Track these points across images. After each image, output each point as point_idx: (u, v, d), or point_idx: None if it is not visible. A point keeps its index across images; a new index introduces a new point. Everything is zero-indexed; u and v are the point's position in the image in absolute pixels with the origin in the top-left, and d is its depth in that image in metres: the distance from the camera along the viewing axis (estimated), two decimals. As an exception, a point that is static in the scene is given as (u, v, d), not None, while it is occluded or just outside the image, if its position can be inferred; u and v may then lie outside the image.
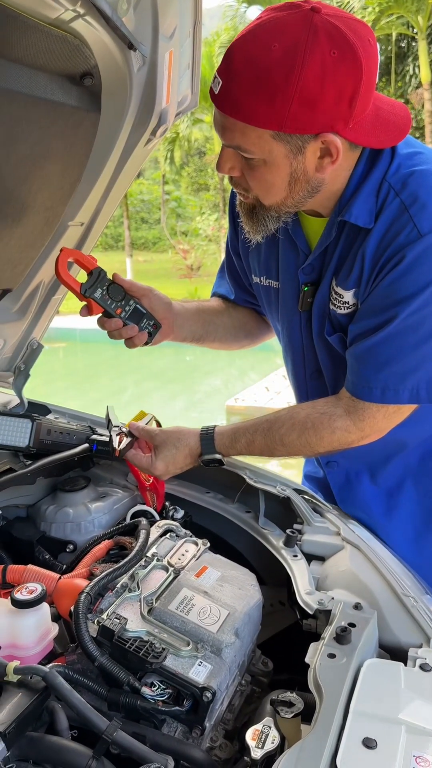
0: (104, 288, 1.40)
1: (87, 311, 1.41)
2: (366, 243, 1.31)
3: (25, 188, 1.20)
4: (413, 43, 15.83)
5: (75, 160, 1.27)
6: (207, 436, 1.47)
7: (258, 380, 9.26)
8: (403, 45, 16.39)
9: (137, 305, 1.47)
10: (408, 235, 1.25)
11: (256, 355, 10.78)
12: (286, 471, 5.87)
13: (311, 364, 1.59)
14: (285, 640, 1.46)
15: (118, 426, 1.57)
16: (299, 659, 1.18)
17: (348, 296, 1.38)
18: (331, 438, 1.41)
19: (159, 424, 1.61)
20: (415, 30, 14.70)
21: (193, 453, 1.47)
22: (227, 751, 1.14)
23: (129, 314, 1.46)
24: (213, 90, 1.20)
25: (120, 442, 1.51)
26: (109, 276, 1.42)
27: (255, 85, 1.14)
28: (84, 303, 1.40)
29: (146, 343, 1.53)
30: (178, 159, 21.59)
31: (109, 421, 1.58)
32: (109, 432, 1.56)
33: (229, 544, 1.63)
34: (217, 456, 1.47)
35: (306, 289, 1.47)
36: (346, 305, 1.40)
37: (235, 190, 1.37)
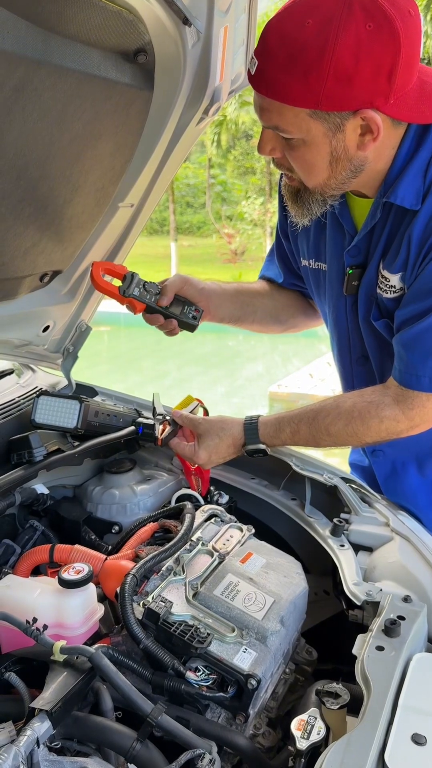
0: (141, 285, 1.45)
1: (131, 310, 1.47)
2: (413, 225, 1.28)
3: (76, 168, 1.19)
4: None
5: (127, 139, 1.26)
6: (251, 425, 1.45)
7: (301, 367, 9.18)
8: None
9: (176, 295, 1.51)
10: None
11: (300, 341, 10.66)
12: (330, 459, 5.82)
13: (357, 349, 1.56)
14: (329, 630, 1.44)
15: (161, 414, 1.58)
16: (343, 649, 1.16)
17: (395, 280, 1.35)
18: (379, 427, 1.37)
19: (206, 411, 1.60)
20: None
21: (237, 443, 1.46)
22: (270, 739, 1.13)
23: (170, 304, 1.50)
24: (249, 72, 1.18)
25: (163, 431, 1.53)
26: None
27: (289, 63, 1.11)
28: (126, 304, 1.46)
29: (192, 329, 1.55)
30: (224, 142, 21.40)
31: (154, 408, 1.60)
32: (153, 419, 1.58)
33: (273, 530, 1.62)
34: (261, 446, 1.45)
35: (351, 272, 1.44)
36: (393, 289, 1.37)
37: (280, 171, 1.35)
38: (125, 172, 1.33)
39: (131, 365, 11.05)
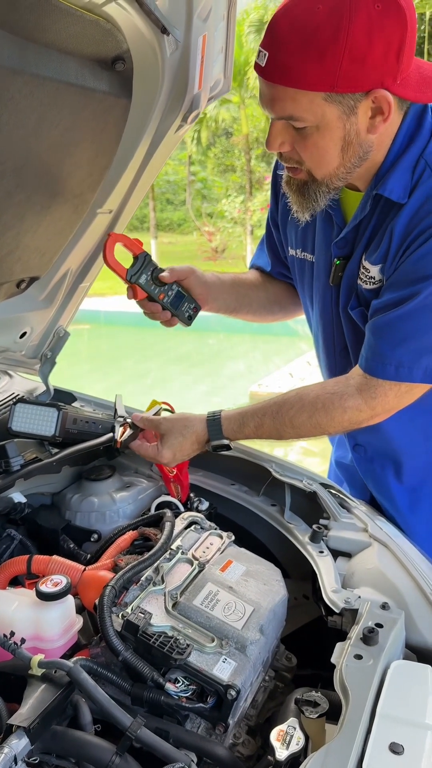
0: (149, 273, 1.42)
1: (132, 294, 1.44)
2: (396, 219, 1.30)
3: (54, 175, 1.18)
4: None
5: (105, 147, 1.25)
6: (214, 421, 1.45)
7: (282, 366, 9.21)
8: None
9: (179, 289, 1.50)
10: None
11: (281, 340, 10.68)
12: (308, 458, 5.83)
13: (341, 340, 1.58)
14: (308, 635, 1.44)
15: (122, 416, 1.56)
16: (323, 654, 1.16)
17: (374, 271, 1.38)
18: (342, 417, 1.39)
19: (173, 411, 1.60)
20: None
21: (200, 439, 1.46)
22: (250, 747, 1.13)
23: (171, 299, 1.49)
24: (258, 64, 1.18)
25: (122, 434, 1.50)
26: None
27: (303, 47, 1.13)
28: (128, 288, 1.42)
29: (187, 325, 1.56)
30: (204, 140, 21.34)
31: (115, 410, 1.58)
32: (114, 422, 1.56)
33: (252, 535, 1.62)
34: (225, 441, 1.45)
35: (338, 263, 1.46)
36: (372, 280, 1.39)
37: (285, 166, 1.34)
38: (104, 179, 1.32)
39: (112, 364, 10.97)
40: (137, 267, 1.40)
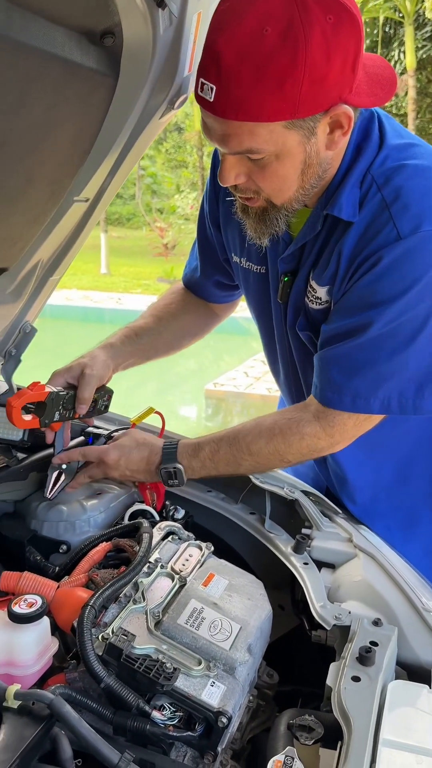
0: (60, 406, 1.37)
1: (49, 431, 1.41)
2: (344, 239, 1.24)
3: (32, 159, 1.08)
4: (399, 29, 15.61)
5: (87, 130, 1.15)
6: (170, 446, 1.41)
7: (234, 364, 9.18)
8: (388, 30, 16.10)
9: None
10: (387, 236, 1.19)
11: (233, 338, 10.64)
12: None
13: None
14: (285, 647, 1.39)
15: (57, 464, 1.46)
16: (301, 668, 1.11)
17: (322, 292, 1.32)
18: (300, 444, 1.35)
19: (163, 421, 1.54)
20: (401, 15, 14.52)
21: (152, 460, 1.40)
22: (237, 774, 1.06)
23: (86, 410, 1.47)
24: (204, 99, 1.08)
25: (54, 483, 1.41)
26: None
27: (259, 78, 1.03)
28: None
29: (104, 413, 1.58)
30: (156, 134, 21.10)
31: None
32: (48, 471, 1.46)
33: (225, 543, 1.55)
34: (178, 465, 1.39)
35: (286, 279, 1.40)
36: (319, 301, 1.34)
37: (240, 198, 1.27)
38: (83, 164, 1.23)
39: (59, 360, 10.69)
40: (48, 411, 1.34)
